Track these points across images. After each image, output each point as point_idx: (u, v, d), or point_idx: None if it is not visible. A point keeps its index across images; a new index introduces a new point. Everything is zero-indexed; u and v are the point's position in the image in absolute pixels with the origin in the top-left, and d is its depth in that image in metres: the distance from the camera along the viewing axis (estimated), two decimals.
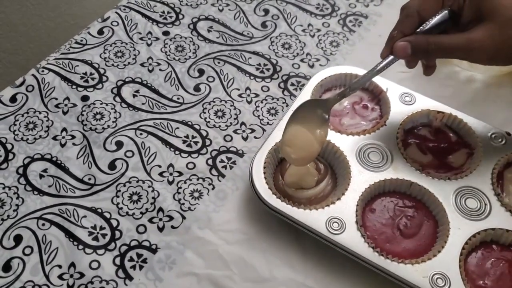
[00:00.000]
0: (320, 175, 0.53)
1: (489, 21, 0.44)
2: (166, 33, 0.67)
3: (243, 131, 0.59)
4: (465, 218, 0.49)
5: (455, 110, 0.56)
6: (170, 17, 0.69)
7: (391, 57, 0.48)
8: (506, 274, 0.46)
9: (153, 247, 0.51)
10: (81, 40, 0.66)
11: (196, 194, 0.54)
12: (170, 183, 0.55)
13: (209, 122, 0.59)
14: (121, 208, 0.53)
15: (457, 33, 0.45)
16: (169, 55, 0.65)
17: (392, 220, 0.49)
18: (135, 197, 0.54)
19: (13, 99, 0.61)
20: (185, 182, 0.55)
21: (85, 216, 0.52)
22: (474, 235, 0.47)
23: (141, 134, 0.58)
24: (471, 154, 0.54)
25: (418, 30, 0.47)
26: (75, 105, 0.60)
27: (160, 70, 0.64)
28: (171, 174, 0.55)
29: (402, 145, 0.54)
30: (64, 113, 0.60)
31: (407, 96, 0.57)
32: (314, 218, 0.48)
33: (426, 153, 0.54)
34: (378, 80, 0.58)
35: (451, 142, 0.55)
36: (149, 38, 0.67)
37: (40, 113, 0.60)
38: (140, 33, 0.67)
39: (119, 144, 0.57)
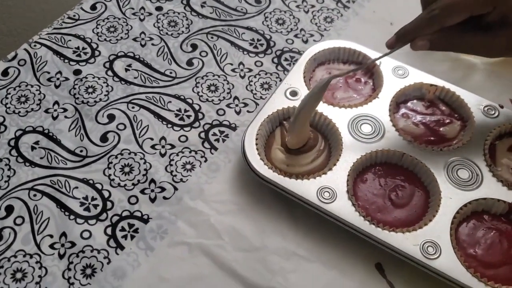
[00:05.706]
0: (318, 152, 0.52)
1: None
2: (159, 8, 0.67)
3: (236, 105, 0.58)
4: (457, 188, 0.49)
5: (448, 83, 0.56)
6: None
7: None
8: (496, 243, 0.47)
9: (145, 217, 0.50)
10: (74, 15, 0.66)
11: (188, 166, 0.54)
12: (162, 155, 0.54)
13: (201, 96, 0.59)
14: (113, 180, 0.53)
15: (479, 35, 0.46)
16: (162, 30, 0.65)
17: (384, 190, 0.49)
18: (127, 169, 0.53)
19: (5, 73, 0.60)
20: (177, 155, 0.55)
21: (76, 187, 0.52)
22: (465, 204, 0.47)
23: (133, 107, 0.58)
24: (464, 126, 0.54)
25: None
26: (67, 78, 0.60)
27: (153, 44, 0.63)
28: (163, 146, 0.55)
29: (394, 117, 0.54)
30: (56, 86, 0.59)
31: (400, 70, 0.57)
32: (305, 188, 0.48)
33: (418, 125, 0.53)
34: (371, 54, 0.58)
35: (444, 114, 0.55)
36: (142, 13, 0.66)
37: (32, 86, 0.59)
38: (133, 8, 0.67)
39: (111, 117, 0.57)
